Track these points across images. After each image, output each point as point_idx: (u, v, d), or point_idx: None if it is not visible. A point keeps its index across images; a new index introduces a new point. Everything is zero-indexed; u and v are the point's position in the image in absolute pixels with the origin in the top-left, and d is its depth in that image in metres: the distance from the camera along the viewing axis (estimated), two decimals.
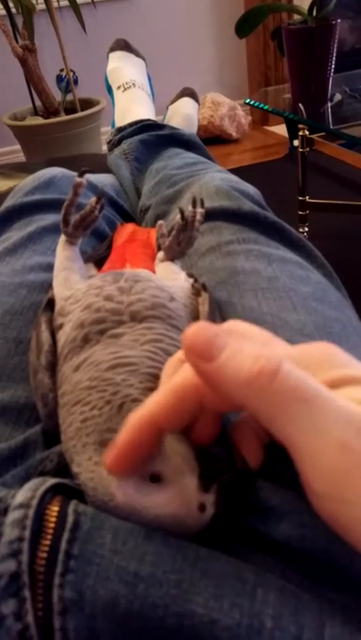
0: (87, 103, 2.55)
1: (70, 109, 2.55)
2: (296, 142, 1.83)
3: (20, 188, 0.70)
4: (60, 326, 0.41)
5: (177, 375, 0.28)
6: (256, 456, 0.30)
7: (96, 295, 0.39)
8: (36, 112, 2.60)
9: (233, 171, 0.77)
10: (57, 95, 2.57)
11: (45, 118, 2.51)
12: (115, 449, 0.28)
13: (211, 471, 0.29)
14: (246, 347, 0.25)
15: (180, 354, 0.31)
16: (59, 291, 0.44)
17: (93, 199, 0.47)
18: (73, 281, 0.45)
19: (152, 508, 0.29)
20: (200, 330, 0.26)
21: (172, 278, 0.47)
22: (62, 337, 0.39)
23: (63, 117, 2.46)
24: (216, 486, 0.29)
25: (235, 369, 0.25)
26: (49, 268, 0.54)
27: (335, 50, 1.52)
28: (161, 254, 0.51)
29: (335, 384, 0.27)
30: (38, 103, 2.55)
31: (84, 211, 0.47)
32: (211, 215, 0.61)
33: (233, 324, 0.30)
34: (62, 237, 0.48)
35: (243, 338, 0.27)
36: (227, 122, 3.01)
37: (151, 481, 0.29)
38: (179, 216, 0.48)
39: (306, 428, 0.24)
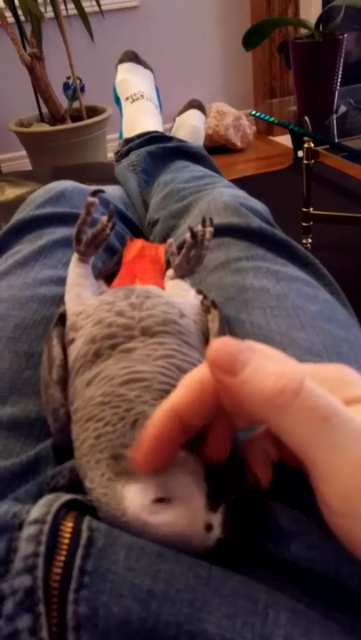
0: (93, 111, 2.56)
1: (76, 117, 2.57)
2: (300, 153, 1.84)
3: (31, 200, 0.71)
4: (72, 341, 0.41)
5: (196, 370, 0.29)
6: (266, 474, 0.31)
7: (108, 310, 0.40)
8: (42, 119, 2.62)
9: (237, 180, 0.78)
10: (63, 103, 2.58)
11: (52, 125, 2.53)
12: (143, 445, 0.28)
13: (220, 491, 0.30)
14: (269, 363, 0.26)
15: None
16: (71, 306, 0.45)
17: (105, 218, 0.48)
18: (85, 297, 0.45)
19: (160, 527, 0.29)
20: (224, 344, 0.27)
21: (181, 295, 0.48)
22: (74, 351, 0.40)
23: (69, 125, 2.47)
24: (224, 506, 0.29)
25: (258, 385, 0.25)
26: (60, 281, 0.55)
27: (341, 63, 1.53)
28: (171, 272, 0.51)
29: (350, 403, 0.27)
30: (45, 110, 2.56)
31: (96, 229, 0.48)
32: (219, 231, 0.61)
33: (250, 343, 0.31)
34: (75, 255, 0.49)
35: (264, 355, 0.27)
36: (232, 131, 3.02)
37: (158, 501, 0.30)
38: (188, 234, 0.49)
39: (325, 445, 0.24)
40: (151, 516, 0.29)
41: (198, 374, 0.29)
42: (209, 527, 0.29)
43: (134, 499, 0.30)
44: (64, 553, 0.28)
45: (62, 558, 0.28)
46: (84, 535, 0.29)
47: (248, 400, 0.26)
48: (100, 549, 0.28)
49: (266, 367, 0.26)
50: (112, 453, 0.32)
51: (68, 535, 0.29)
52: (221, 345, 0.27)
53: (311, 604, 0.28)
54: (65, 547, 0.28)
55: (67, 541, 0.28)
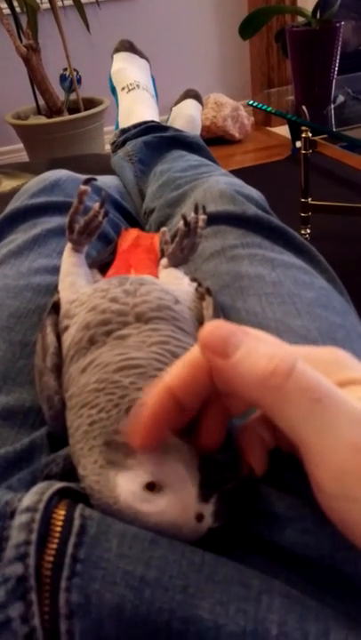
0: (90, 103, 2.55)
1: (73, 109, 2.55)
2: (299, 144, 1.83)
3: (25, 190, 0.71)
4: (66, 328, 0.41)
5: (191, 351, 0.29)
6: (261, 461, 0.31)
7: (101, 297, 0.40)
8: (39, 111, 2.61)
9: (235, 171, 0.78)
10: (60, 94, 2.57)
11: (48, 117, 2.52)
12: (138, 423, 0.28)
13: (213, 481, 0.29)
14: (261, 346, 0.26)
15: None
16: (65, 294, 0.45)
17: (97, 204, 0.47)
18: (79, 285, 0.45)
19: (151, 515, 0.29)
20: (217, 327, 0.27)
21: (175, 283, 0.47)
22: (68, 339, 0.40)
23: (66, 117, 2.46)
24: (217, 496, 0.29)
25: (250, 367, 0.25)
26: (54, 270, 0.54)
27: (339, 52, 1.52)
28: (165, 261, 0.51)
29: (343, 385, 0.27)
30: (42, 102, 2.55)
31: (88, 216, 0.47)
32: (215, 219, 0.61)
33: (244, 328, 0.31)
34: (68, 244, 0.49)
35: (257, 338, 0.27)
36: (229, 122, 3.01)
37: (150, 489, 0.29)
38: (181, 222, 0.49)
39: (318, 427, 0.24)
40: (143, 504, 0.29)
41: (192, 354, 0.28)
42: (200, 517, 0.29)
43: (126, 486, 0.30)
44: (56, 541, 0.28)
45: (54, 546, 0.28)
46: (77, 523, 0.28)
47: (240, 382, 0.25)
48: (93, 537, 0.28)
49: (258, 349, 0.26)
50: (105, 440, 0.32)
51: (60, 523, 0.29)
52: (214, 327, 0.27)
53: (306, 590, 0.28)
54: (57, 534, 0.28)
55: (59, 529, 0.28)
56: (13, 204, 0.68)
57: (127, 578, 0.26)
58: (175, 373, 0.28)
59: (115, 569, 0.27)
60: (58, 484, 0.31)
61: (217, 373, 0.27)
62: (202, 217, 0.49)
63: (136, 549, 0.27)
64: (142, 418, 0.28)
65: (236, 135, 3.06)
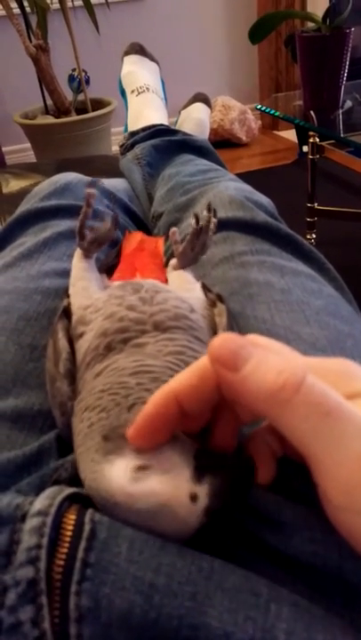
0: (98, 103, 2.55)
1: (81, 109, 2.56)
2: (305, 148, 1.83)
3: (36, 192, 0.71)
4: (81, 335, 0.41)
5: (201, 359, 0.29)
6: (269, 469, 0.31)
7: (118, 305, 0.40)
8: (47, 111, 2.61)
9: (242, 174, 0.78)
10: (68, 95, 2.57)
11: (56, 118, 2.52)
12: (137, 420, 0.28)
13: (208, 464, 0.29)
14: (271, 359, 0.26)
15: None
16: (77, 300, 0.45)
17: (109, 221, 0.48)
18: (91, 291, 0.45)
19: (143, 497, 0.28)
20: (226, 340, 0.27)
21: (186, 289, 0.47)
22: (84, 345, 0.39)
23: (74, 117, 2.46)
24: (211, 476, 0.28)
25: (259, 380, 0.25)
26: (64, 273, 0.55)
27: (348, 58, 1.53)
28: (174, 261, 0.51)
29: (352, 397, 0.27)
30: (50, 102, 2.56)
31: (100, 232, 0.48)
32: (224, 225, 0.61)
33: (253, 337, 0.31)
34: (78, 249, 0.49)
35: (267, 350, 0.27)
36: (237, 126, 3.02)
37: (141, 470, 0.29)
38: (193, 221, 0.48)
39: (326, 440, 0.24)
40: (133, 485, 0.29)
41: (201, 363, 0.29)
42: (194, 497, 0.28)
43: (118, 471, 0.29)
44: (67, 545, 0.28)
45: (65, 550, 0.28)
46: (87, 528, 0.29)
47: (249, 396, 0.26)
48: (103, 542, 0.28)
49: (268, 362, 0.26)
50: (103, 435, 0.31)
51: (70, 527, 0.29)
52: (223, 341, 0.27)
53: (313, 598, 0.28)
54: (68, 539, 0.28)
55: (69, 533, 0.29)
56: (24, 207, 0.69)
57: (137, 583, 0.27)
58: (181, 379, 0.29)
59: (124, 574, 0.27)
60: (69, 490, 0.31)
61: (226, 386, 0.27)
62: (213, 220, 0.49)
63: (145, 555, 0.28)
64: (141, 416, 0.28)
65: (243, 138, 3.06)
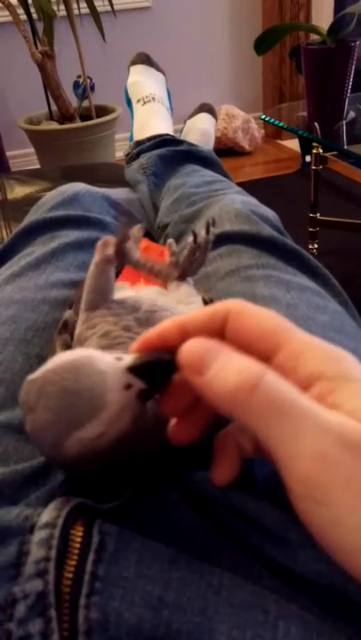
0: (103, 110, 2.56)
1: (86, 116, 2.57)
2: (308, 158, 1.84)
3: (44, 202, 0.71)
4: None
5: (216, 303, 0.29)
6: (227, 467, 0.32)
7: (114, 324, 0.40)
8: (51, 117, 2.62)
9: (244, 184, 0.78)
10: (73, 101, 2.58)
11: (61, 124, 2.53)
12: (142, 335, 0.29)
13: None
14: (234, 359, 0.26)
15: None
16: (80, 314, 0.45)
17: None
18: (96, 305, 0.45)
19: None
20: (193, 345, 0.27)
21: (187, 302, 0.47)
22: None
23: (78, 123, 2.47)
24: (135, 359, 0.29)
25: (220, 383, 0.25)
26: (71, 284, 0.55)
27: (353, 70, 1.54)
28: (174, 272, 0.51)
29: (338, 380, 0.27)
30: (54, 108, 2.56)
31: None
32: (230, 239, 0.62)
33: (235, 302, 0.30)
34: (97, 260, 0.46)
35: (232, 352, 0.27)
36: (240, 134, 3.03)
37: None
38: (191, 239, 0.48)
39: (284, 437, 0.24)
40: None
41: (215, 306, 0.29)
42: (128, 387, 0.29)
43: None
44: (75, 557, 0.28)
45: (73, 563, 0.28)
46: (95, 539, 0.29)
47: (213, 397, 0.26)
48: (112, 554, 0.28)
49: (230, 364, 0.26)
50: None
51: (78, 540, 0.29)
52: (190, 345, 0.27)
53: (320, 615, 0.28)
54: (76, 551, 0.28)
55: (78, 545, 0.29)
56: (32, 217, 0.69)
57: (146, 598, 0.27)
58: (190, 313, 0.29)
59: (134, 588, 0.27)
60: (75, 500, 0.31)
61: (196, 390, 0.27)
62: (211, 238, 0.49)
63: (155, 569, 0.28)
64: (146, 335, 0.29)
65: (247, 147, 3.07)
